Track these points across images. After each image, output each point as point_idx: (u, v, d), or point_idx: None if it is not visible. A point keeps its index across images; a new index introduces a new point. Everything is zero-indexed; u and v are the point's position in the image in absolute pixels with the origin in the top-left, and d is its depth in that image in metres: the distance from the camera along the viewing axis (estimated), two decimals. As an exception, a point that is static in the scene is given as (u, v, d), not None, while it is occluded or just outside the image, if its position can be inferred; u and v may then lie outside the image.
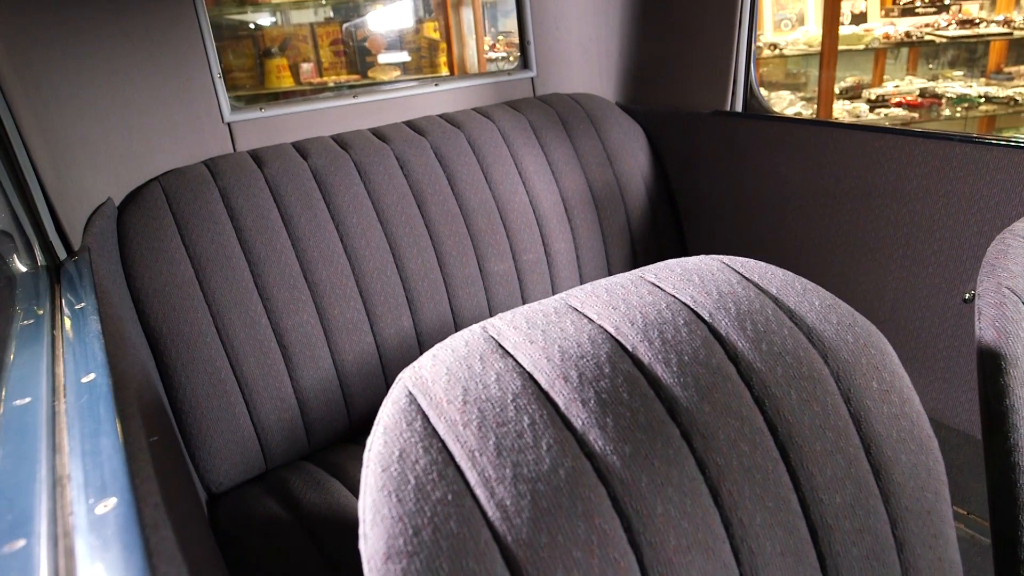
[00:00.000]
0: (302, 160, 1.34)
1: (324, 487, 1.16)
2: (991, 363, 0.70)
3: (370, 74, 3.31)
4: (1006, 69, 3.72)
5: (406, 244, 1.37)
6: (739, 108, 1.63)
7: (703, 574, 0.45)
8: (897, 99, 3.65)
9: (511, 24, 3.28)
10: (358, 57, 3.33)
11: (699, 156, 1.69)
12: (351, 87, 3.03)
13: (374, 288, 1.33)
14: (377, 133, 1.47)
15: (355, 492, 1.16)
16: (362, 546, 0.39)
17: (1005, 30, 3.62)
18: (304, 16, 3.21)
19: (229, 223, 1.24)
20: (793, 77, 3.97)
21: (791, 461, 0.51)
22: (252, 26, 2.97)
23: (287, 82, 2.90)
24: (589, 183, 1.64)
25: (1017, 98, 3.56)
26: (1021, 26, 3.59)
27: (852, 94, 3.81)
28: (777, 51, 3.70)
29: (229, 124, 1.41)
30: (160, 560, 0.41)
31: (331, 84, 3.19)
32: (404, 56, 3.39)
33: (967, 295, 1.03)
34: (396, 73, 3.34)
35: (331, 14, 3.26)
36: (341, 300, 1.30)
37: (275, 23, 3.13)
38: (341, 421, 1.33)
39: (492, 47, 3.80)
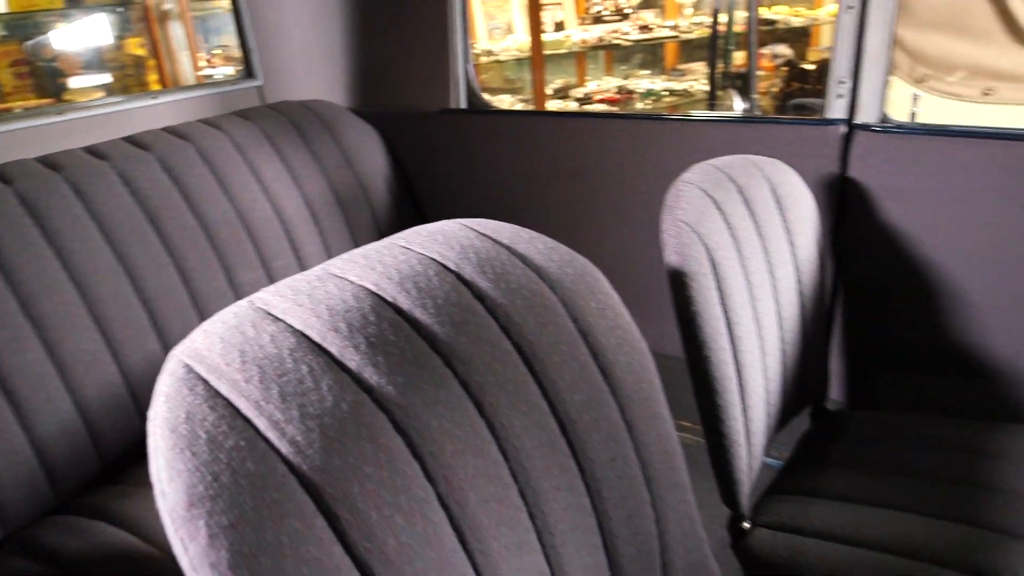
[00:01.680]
0: (4, 186, 1.20)
1: (88, 532, 1.06)
2: (677, 280, 0.87)
3: (66, 98, 2.97)
4: (680, 67, 4.42)
5: (143, 264, 1.29)
6: (463, 105, 1.77)
7: (477, 470, 0.53)
8: (599, 96, 4.15)
9: (229, 38, 3.16)
10: (49, 79, 2.96)
11: (434, 152, 1.81)
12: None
13: (111, 314, 1.23)
14: (93, 151, 1.36)
15: (128, 527, 1.08)
16: (161, 504, 0.41)
17: (673, 33, 4.30)
18: (-32, 36, 2.78)
19: None
20: (511, 82, 4.32)
21: (536, 372, 0.61)
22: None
23: (-43, 111, 2.49)
24: (332, 186, 1.67)
25: (690, 90, 4.23)
26: (685, 30, 4.29)
27: (562, 94, 4.25)
28: (493, 57, 4.00)
29: None
30: None
31: (18, 111, 2.80)
32: (106, 77, 3.09)
33: None
34: (99, 95, 3.04)
35: (4, 32, 2.87)
36: (74, 332, 1.19)
37: (-66, 44, 2.68)
38: (91, 464, 1.21)
39: (209, 62, 3.61)
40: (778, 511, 1.02)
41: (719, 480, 0.98)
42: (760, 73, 3.80)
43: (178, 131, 1.49)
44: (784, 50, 3.85)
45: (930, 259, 1.28)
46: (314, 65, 1.88)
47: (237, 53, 1.88)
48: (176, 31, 3.48)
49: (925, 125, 1.31)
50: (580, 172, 1.60)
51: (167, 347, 1.30)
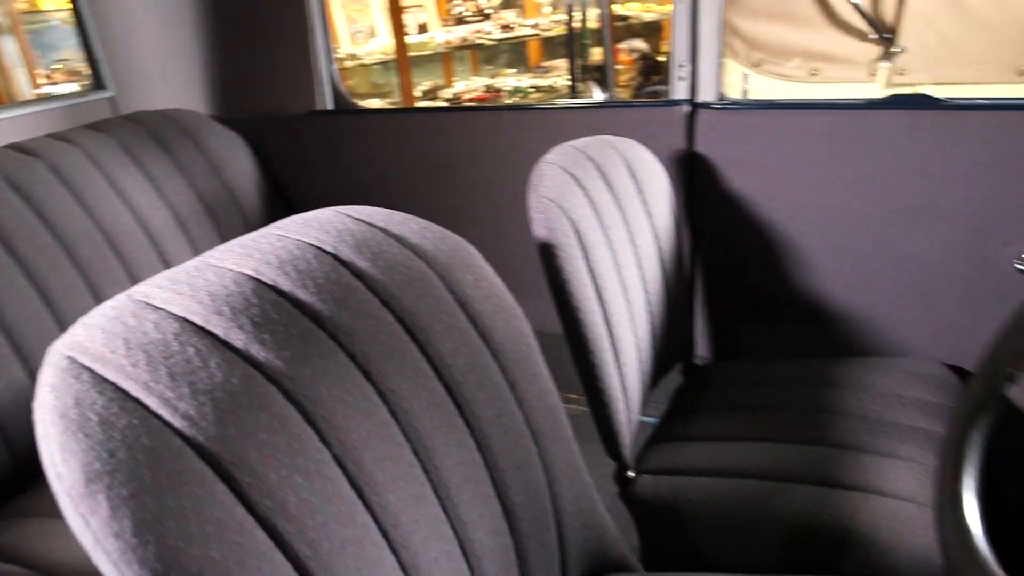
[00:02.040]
0: None
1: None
2: (546, 251, 0.94)
3: None
4: (544, 64, 4.56)
5: None
6: (330, 106, 1.78)
7: (369, 432, 0.56)
8: (469, 96, 4.21)
9: (70, 52, 2.96)
10: None
11: (304, 154, 1.80)
12: None
13: None
14: None
15: (12, 558, 1.02)
16: (56, 486, 0.41)
17: (534, 32, 4.44)
18: None
19: None
20: (379, 86, 4.31)
21: (419, 340, 0.65)
22: None
23: None
24: (199, 195, 1.63)
25: (555, 86, 4.38)
26: (545, 28, 4.43)
27: (431, 96, 4.28)
28: (358, 61, 3.98)
29: None
30: None
31: None
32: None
33: None
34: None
35: None
36: None
37: None
38: None
39: (49, 78, 3.37)
40: (657, 458, 1.11)
41: (602, 436, 1.06)
42: (619, 67, 4.01)
43: (24, 147, 1.41)
44: (640, 44, 4.07)
45: (772, 220, 1.42)
46: (170, 74, 1.82)
47: (81, 68, 1.79)
48: (8, 46, 3.22)
49: (757, 101, 1.45)
50: (451, 164, 1.65)
51: (33, 374, 1.24)
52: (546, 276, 0.97)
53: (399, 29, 3.57)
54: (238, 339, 0.53)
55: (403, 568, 0.56)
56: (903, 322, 1.39)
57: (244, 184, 1.72)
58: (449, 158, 1.64)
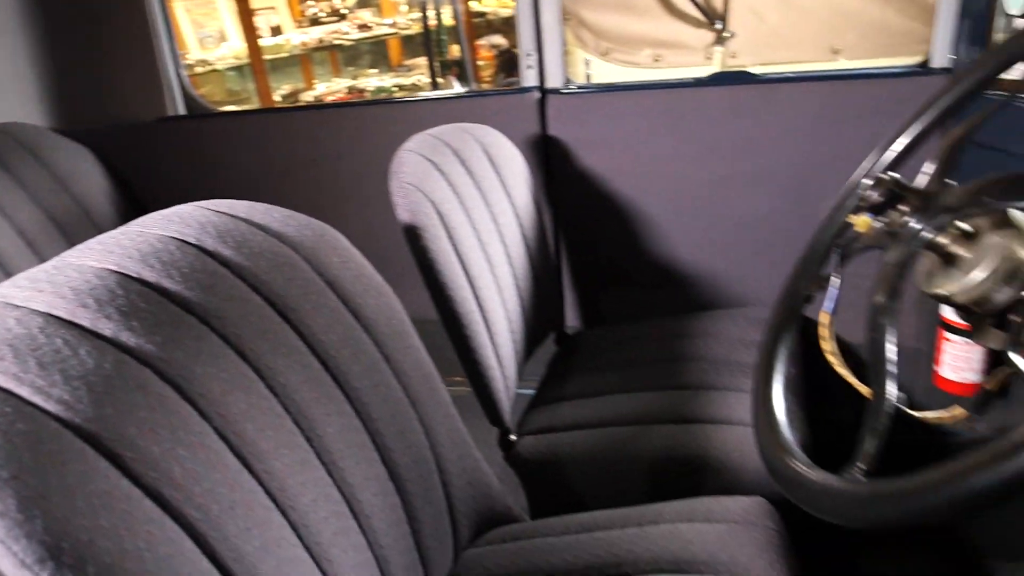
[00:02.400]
0: None
1: None
2: (411, 234, 0.99)
3: None
4: (406, 63, 4.57)
5: None
6: (182, 111, 1.74)
7: (249, 406, 0.60)
8: (331, 98, 4.16)
9: None
10: None
11: (159, 161, 1.75)
12: None
13: None
14: None
15: None
16: None
17: (393, 31, 4.44)
18: None
19: None
20: (234, 92, 4.17)
21: (292, 321, 0.69)
22: None
23: None
24: (47, 213, 1.55)
25: (418, 83, 4.41)
26: (404, 27, 4.45)
27: (292, 99, 4.20)
28: (210, 67, 3.83)
29: None
30: None
31: None
32: None
33: None
34: None
35: None
36: None
37: None
38: None
39: None
40: (536, 420, 1.19)
41: (483, 405, 1.12)
42: (481, 63, 4.10)
43: None
44: (499, 39, 4.18)
45: (624, 193, 1.54)
46: (3, 87, 1.71)
47: None
48: None
49: (600, 85, 1.57)
50: (315, 162, 1.66)
51: None
52: (413, 256, 1.02)
53: (251, 32, 3.48)
54: (107, 328, 0.54)
55: (293, 527, 0.59)
56: (744, 276, 1.55)
57: (96, 198, 1.65)
58: (312, 156, 1.65)
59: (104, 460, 0.47)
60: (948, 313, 1.27)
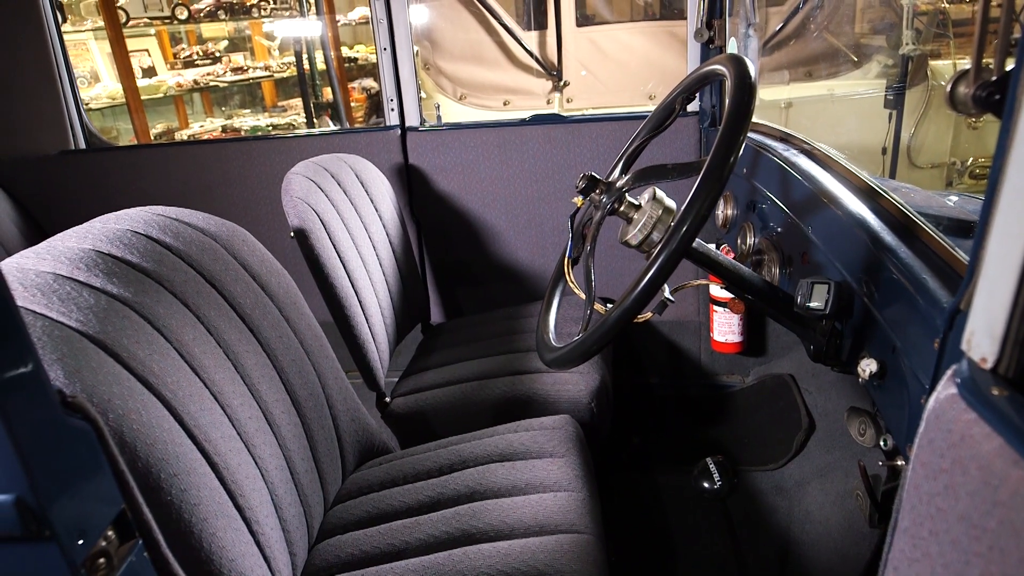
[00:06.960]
0: None
1: None
2: (302, 236, 1.29)
3: None
4: (280, 103, 4.79)
5: None
6: (83, 145, 1.93)
7: (195, 336, 0.87)
8: (206, 136, 4.31)
9: None
10: None
11: (65, 193, 1.93)
12: None
13: None
14: None
15: None
16: None
17: (267, 73, 4.66)
18: None
19: None
20: (107, 131, 4.22)
21: (217, 287, 0.97)
22: None
23: None
24: None
25: (293, 123, 4.64)
26: (278, 70, 4.68)
27: (168, 138, 4.31)
28: (85, 107, 3.89)
29: None
30: None
31: None
32: None
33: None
34: None
35: None
36: None
37: None
38: None
39: None
40: (405, 385, 1.51)
41: (363, 374, 1.42)
42: (355, 103, 4.40)
43: None
44: (371, 83, 4.51)
45: (471, 208, 1.91)
46: None
47: None
48: None
49: (448, 124, 1.93)
50: (209, 189, 1.91)
51: None
52: (305, 258, 1.31)
53: (128, 73, 3.60)
54: (96, 282, 0.81)
55: (229, 418, 0.87)
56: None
57: (3, 223, 1.81)
58: (206, 183, 1.90)
59: (110, 358, 0.75)
60: (715, 292, 1.71)
